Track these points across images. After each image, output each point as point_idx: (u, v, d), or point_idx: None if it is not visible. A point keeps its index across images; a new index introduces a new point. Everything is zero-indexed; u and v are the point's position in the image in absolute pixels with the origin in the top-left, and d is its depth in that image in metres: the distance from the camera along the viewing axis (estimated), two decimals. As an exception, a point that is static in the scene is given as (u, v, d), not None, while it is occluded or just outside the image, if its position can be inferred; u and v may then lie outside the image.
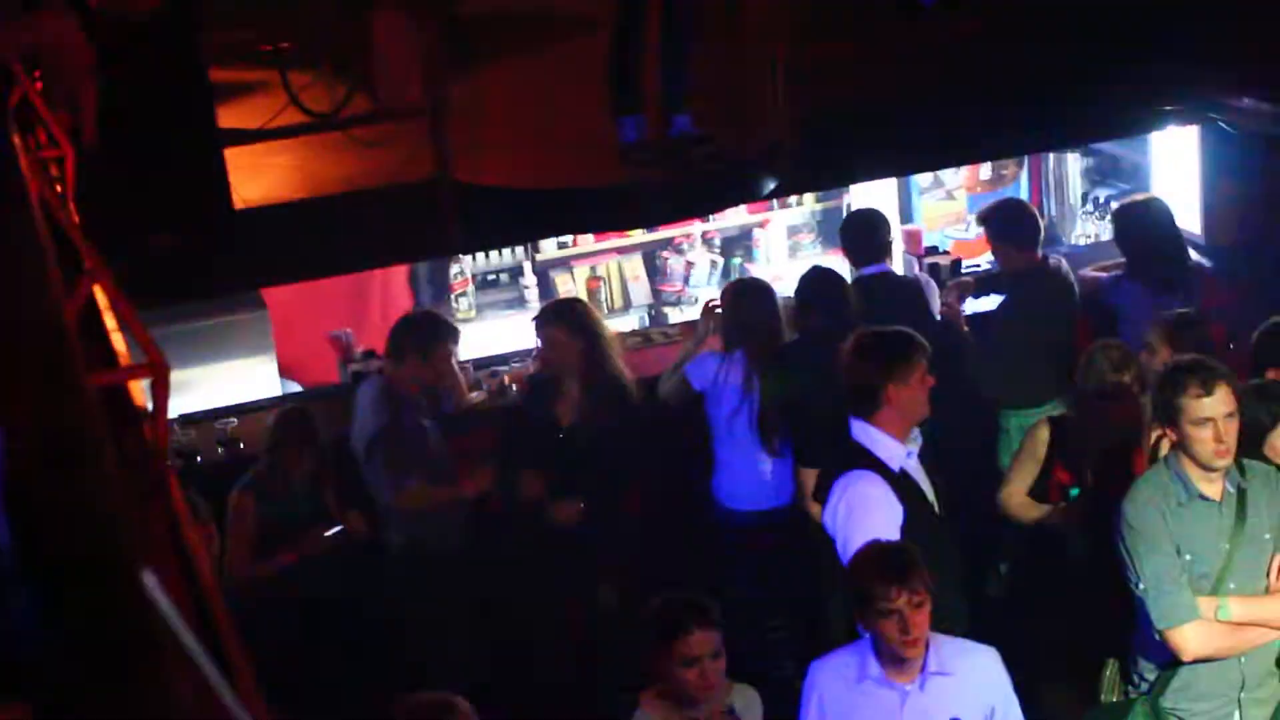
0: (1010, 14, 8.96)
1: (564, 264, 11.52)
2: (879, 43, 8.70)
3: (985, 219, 9.26)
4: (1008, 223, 9.11)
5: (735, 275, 11.39)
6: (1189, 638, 6.00)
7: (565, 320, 8.38)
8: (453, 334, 8.46)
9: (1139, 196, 9.74)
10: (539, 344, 8.56)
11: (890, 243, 9.36)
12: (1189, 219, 10.51)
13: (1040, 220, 9.25)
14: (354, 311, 10.84)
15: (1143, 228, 9.22)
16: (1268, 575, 6.08)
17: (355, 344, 9.90)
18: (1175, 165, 10.65)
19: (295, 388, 10.30)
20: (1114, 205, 9.98)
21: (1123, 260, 9.36)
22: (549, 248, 11.40)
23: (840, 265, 9.73)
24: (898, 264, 9.45)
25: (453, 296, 11.23)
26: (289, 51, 8.09)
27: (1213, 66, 8.90)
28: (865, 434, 6.38)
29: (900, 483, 6.32)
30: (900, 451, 6.37)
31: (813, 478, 7.17)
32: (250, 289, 9.61)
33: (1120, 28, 8.75)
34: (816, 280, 8.70)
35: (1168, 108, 9.22)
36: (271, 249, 7.76)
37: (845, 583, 5.83)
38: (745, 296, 8.59)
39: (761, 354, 8.35)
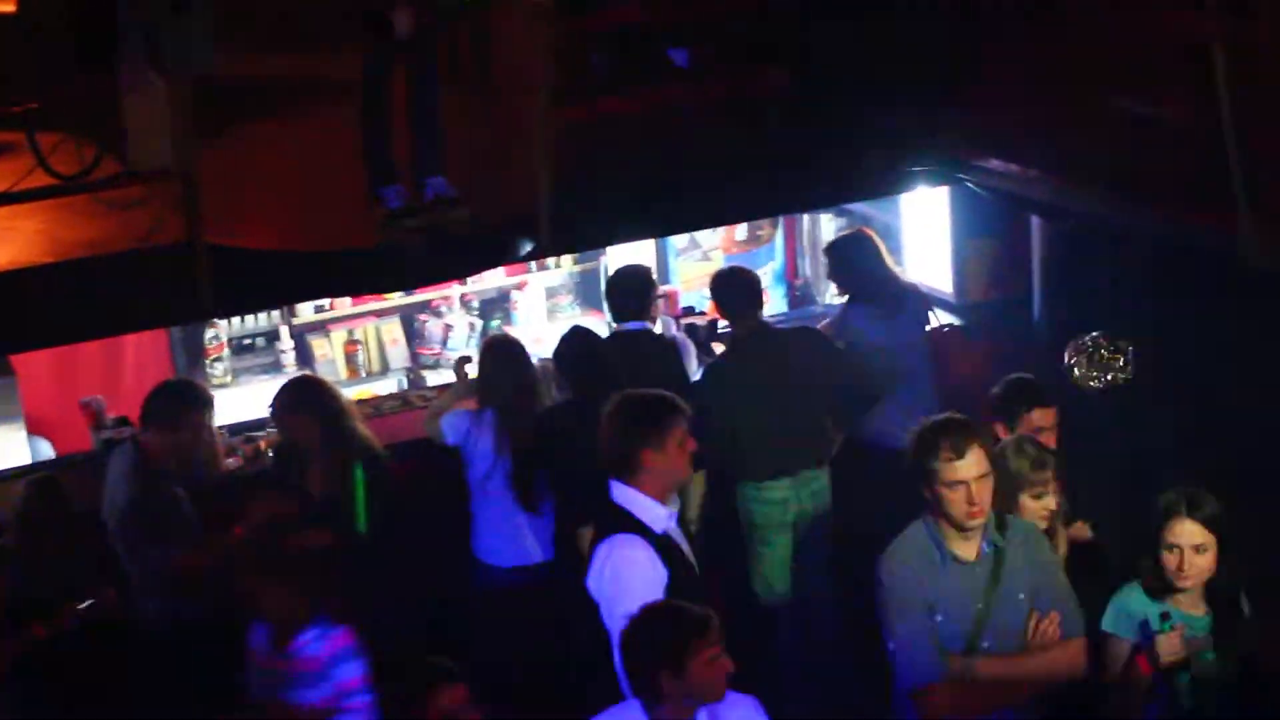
0: (762, 77, 9.08)
1: (321, 328, 11.39)
2: (634, 104, 8.75)
3: (711, 287, 9.29)
4: (722, 291, 9.13)
5: (493, 337, 11.38)
6: (935, 698, 6.07)
7: (298, 404, 8.26)
8: (204, 401, 8.32)
9: (847, 231, 9.92)
10: (277, 425, 8.48)
11: (655, 301, 9.40)
12: (940, 278, 10.73)
13: (761, 288, 9.29)
14: (108, 377, 10.62)
15: (857, 257, 9.42)
16: (1026, 635, 6.16)
17: (107, 411, 9.71)
18: (925, 225, 10.86)
19: (48, 452, 10.06)
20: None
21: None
22: (305, 311, 11.26)
23: (599, 325, 9.73)
24: (658, 323, 9.49)
25: (208, 362, 11.04)
26: (36, 112, 7.93)
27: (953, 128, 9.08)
28: (626, 496, 6.39)
29: (663, 545, 6.34)
30: (662, 514, 6.40)
31: (588, 537, 7.18)
32: (-3, 355, 9.39)
33: (866, 90, 8.91)
34: (572, 341, 8.71)
35: (916, 168, 9.37)
36: (17, 314, 7.61)
37: (634, 642, 5.78)
38: (494, 356, 8.59)
39: (511, 414, 8.34)
